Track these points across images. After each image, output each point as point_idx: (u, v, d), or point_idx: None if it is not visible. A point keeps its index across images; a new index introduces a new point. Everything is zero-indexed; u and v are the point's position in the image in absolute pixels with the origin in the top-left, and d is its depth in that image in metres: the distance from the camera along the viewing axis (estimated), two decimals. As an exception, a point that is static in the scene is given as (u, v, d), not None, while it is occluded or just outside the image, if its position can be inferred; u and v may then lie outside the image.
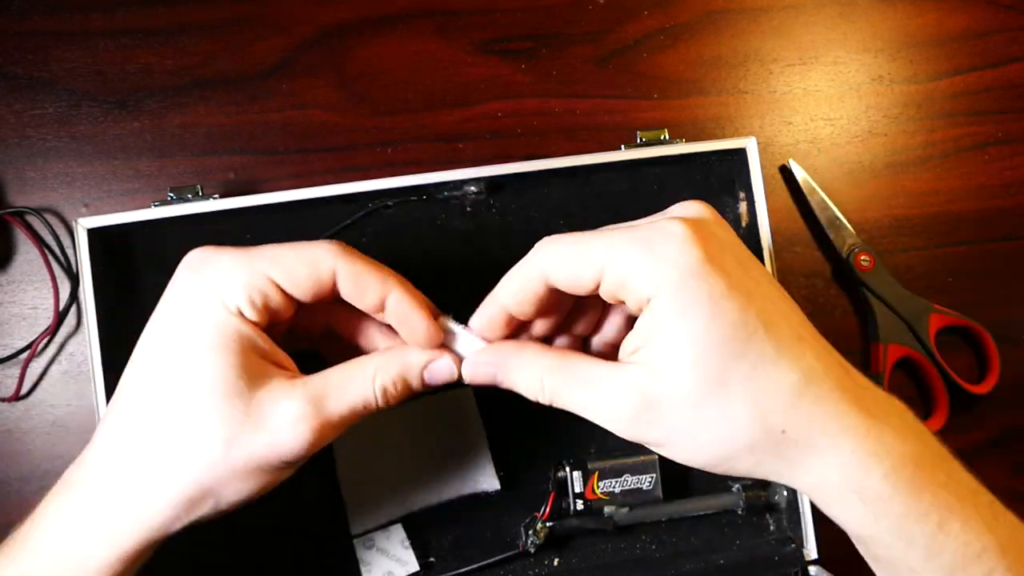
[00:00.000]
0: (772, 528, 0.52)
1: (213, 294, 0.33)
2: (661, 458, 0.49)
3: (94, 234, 0.45)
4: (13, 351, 0.51)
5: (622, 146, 0.50)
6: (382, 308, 0.35)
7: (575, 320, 0.39)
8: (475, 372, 0.36)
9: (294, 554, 0.48)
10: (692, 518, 0.50)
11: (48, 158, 0.52)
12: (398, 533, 0.48)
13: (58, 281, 0.51)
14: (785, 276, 0.57)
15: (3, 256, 0.52)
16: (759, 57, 0.58)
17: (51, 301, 0.51)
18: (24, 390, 0.51)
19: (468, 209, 0.50)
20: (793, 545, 0.50)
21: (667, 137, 0.50)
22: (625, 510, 0.49)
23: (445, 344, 0.37)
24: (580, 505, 0.49)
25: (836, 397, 0.32)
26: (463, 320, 0.38)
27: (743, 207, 0.51)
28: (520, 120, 0.56)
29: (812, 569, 0.49)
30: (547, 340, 0.39)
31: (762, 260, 0.49)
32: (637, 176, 0.52)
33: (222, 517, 0.34)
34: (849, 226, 0.57)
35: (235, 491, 0.33)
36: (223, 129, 0.53)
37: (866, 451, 0.31)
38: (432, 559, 0.49)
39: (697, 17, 0.58)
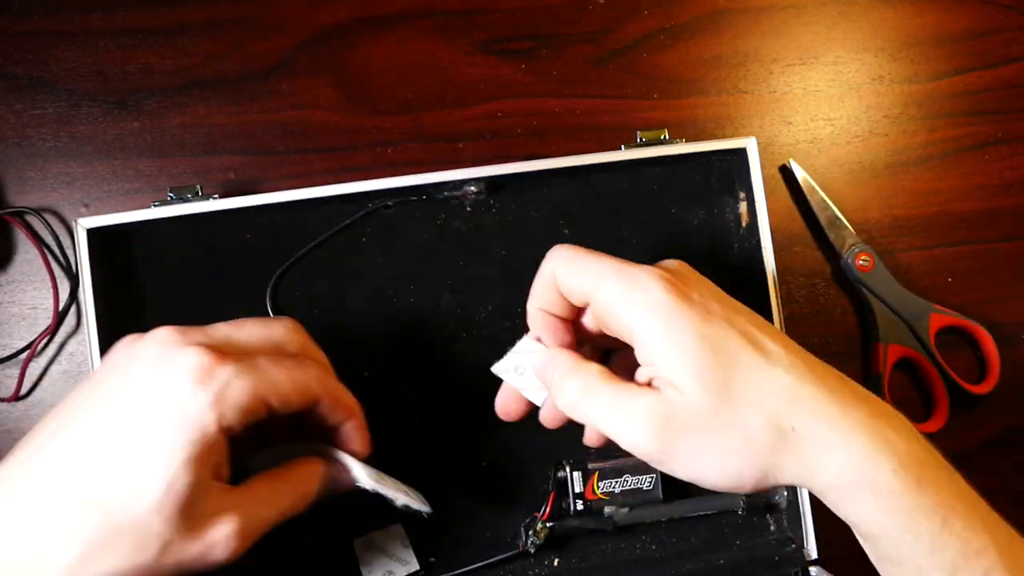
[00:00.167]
0: (772, 528, 0.52)
1: (213, 416, 0.33)
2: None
3: (94, 234, 0.45)
4: (13, 351, 0.51)
5: (622, 146, 0.50)
6: (340, 425, 0.39)
7: None
8: (552, 419, 0.40)
9: (294, 554, 0.48)
10: (692, 518, 0.50)
11: (48, 158, 0.52)
12: (398, 533, 0.48)
13: (58, 281, 0.51)
14: (785, 276, 0.57)
15: (3, 256, 0.52)
16: (759, 57, 0.58)
17: (51, 301, 0.51)
18: (24, 390, 0.51)
19: (468, 209, 0.50)
20: (793, 545, 0.50)
21: (667, 137, 0.50)
22: (625, 510, 0.49)
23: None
24: (580, 505, 0.49)
25: (836, 397, 0.33)
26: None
27: (743, 207, 0.51)
28: (520, 120, 0.56)
29: (812, 569, 0.49)
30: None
31: (762, 260, 0.50)
32: (637, 176, 0.52)
33: None
34: (849, 226, 0.57)
35: None
36: (223, 129, 0.53)
37: (875, 446, 0.32)
38: (432, 559, 0.49)
39: (697, 17, 0.58)
